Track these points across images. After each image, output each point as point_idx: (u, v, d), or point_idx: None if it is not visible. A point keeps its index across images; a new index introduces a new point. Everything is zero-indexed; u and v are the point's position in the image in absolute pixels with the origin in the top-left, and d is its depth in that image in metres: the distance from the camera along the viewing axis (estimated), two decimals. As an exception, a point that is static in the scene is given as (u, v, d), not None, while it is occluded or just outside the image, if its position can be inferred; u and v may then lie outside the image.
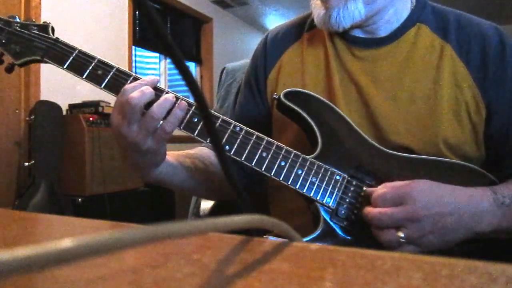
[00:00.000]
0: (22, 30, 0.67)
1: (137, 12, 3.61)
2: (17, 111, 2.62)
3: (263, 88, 0.84)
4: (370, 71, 0.74)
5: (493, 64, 0.69)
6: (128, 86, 0.60)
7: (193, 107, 0.64)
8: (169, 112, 0.61)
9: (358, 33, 0.77)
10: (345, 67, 0.75)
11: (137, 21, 3.67)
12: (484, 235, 0.60)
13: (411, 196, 0.57)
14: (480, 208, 0.59)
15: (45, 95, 2.69)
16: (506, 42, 0.71)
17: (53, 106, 2.56)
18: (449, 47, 0.71)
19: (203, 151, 0.82)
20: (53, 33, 0.68)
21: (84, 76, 0.64)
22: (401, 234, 0.56)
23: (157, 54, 4.15)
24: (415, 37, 0.74)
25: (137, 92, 0.59)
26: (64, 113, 2.67)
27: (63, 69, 0.65)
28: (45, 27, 0.68)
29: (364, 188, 0.64)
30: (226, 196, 0.83)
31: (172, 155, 0.73)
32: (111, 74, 0.64)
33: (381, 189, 0.60)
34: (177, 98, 0.63)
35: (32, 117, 2.48)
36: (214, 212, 1.03)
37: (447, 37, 0.72)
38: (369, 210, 0.59)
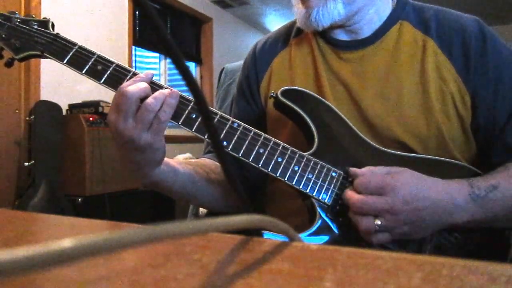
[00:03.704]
0: (23, 25, 0.67)
1: (137, 12, 3.60)
2: (17, 111, 2.62)
3: (257, 96, 0.85)
4: (358, 72, 0.75)
5: (475, 55, 0.70)
6: (124, 84, 0.61)
7: (192, 103, 0.64)
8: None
9: (341, 35, 0.78)
10: (332, 69, 0.76)
11: (137, 21, 3.67)
12: (457, 226, 0.63)
13: (393, 188, 0.59)
14: (455, 203, 0.61)
15: (45, 95, 2.69)
16: (486, 33, 0.72)
17: (53, 106, 2.56)
18: (431, 41, 0.73)
19: (205, 160, 0.83)
20: (53, 29, 0.68)
21: (83, 71, 0.64)
22: (378, 222, 0.59)
23: (157, 54, 4.15)
24: (398, 34, 0.75)
25: (132, 86, 0.59)
26: (64, 113, 2.67)
27: (63, 64, 0.65)
28: (45, 23, 0.68)
29: (350, 168, 0.65)
30: (224, 207, 0.83)
31: (174, 161, 0.73)
32: (110, 69, 0.64)
33: (365, 175, 0.62)
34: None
35: (32, 117, 2.48)
36: (212, 212, 1.03)
37: (428, 32, 0.74)
38: (351, 195, 0.61)
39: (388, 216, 0.59)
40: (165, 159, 0.68)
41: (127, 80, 0.63)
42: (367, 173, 0.62)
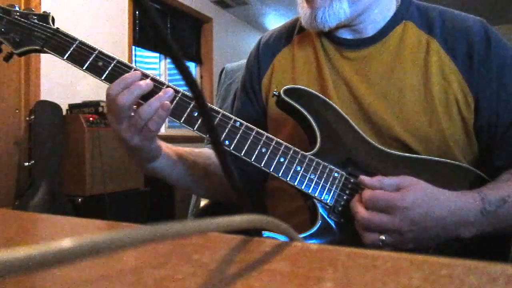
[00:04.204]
0: (22, 19, 0.66)
1: (137, 12, 3.60)
2: (17, 111, 2.61)
3: (258, 92, 0.85)
4: (361, 71, 0.75)
5: (479, 57, 0.70)
6: (112, 85, 0.60)
7: (194, 101, 0.64)
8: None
9: (345, 34, 0.78)
10: (335, 68, 0.76)
11: (137, 21, 3.66)
12: (464, 238, 0.61)
13: (402, 210, 0.57)
14: (466, 219, 0.60)
15: (45, 95, 2.68)
16: (491, 34, 0.72)
17: (53, 106, 2.56)
18: (435, 42, 0.72)
19: (206, 150, 0.83)
20: (53, 23, 0.67)
21: (84, 67, 0.63)
22: (383, 238, 0.58)
23: (157, 54, 4.14)
24: (402, 35, 0.75)
25: (124, 92, 0.59)
26: (64, 113, 2.67)
27: (63, 59, 0.64)
28: (45, 17, 0.67)
29: (361, 177, 0.63)
30: (223, 197, 0.83)
31: (174, 149, 0.74)
32: (111, 65, 0.64)
33: (374, 190, 0.60)
34: (176, 92, 0.63)
35: (32, 117, 2.48)
36: (208, 212, 1.03)
37: (432, 33, 0.73)
38: (360, 210, 0.59)
39: (394, 235, 0.58)
40: (164, 148, 0.70)
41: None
42: (377, 186, 0.60)
